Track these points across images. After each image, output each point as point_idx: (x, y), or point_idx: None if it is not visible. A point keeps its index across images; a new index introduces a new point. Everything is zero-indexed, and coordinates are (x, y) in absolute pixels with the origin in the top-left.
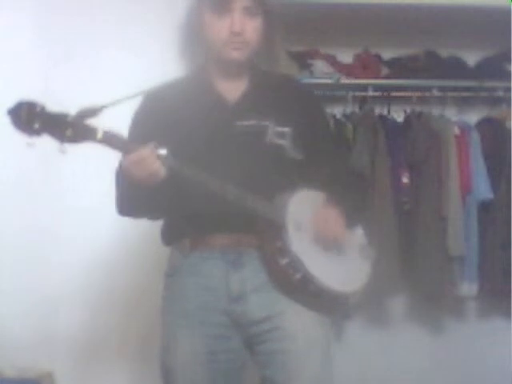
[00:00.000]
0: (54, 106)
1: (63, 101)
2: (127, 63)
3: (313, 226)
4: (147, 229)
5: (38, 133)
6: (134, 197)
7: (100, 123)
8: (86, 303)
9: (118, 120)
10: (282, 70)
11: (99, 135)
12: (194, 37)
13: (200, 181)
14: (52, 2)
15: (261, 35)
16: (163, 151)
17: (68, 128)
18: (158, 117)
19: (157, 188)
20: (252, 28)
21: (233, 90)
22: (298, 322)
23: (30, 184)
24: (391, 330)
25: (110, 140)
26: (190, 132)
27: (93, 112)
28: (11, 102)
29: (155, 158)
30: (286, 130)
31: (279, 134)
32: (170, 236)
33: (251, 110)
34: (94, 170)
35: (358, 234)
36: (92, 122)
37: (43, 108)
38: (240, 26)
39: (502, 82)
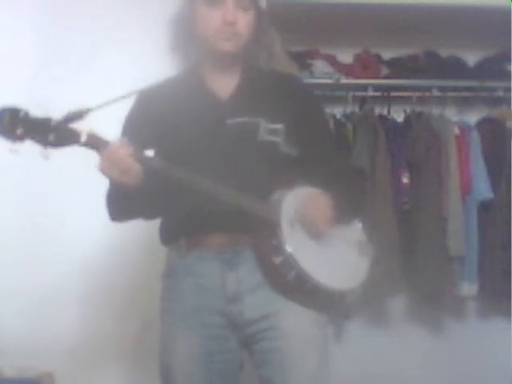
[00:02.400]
0: (51, 106)
1: (60, 101)
2: (124, 64)
3: (299, 214)
4: (146, 230)
5: (20, 138)
6: (116, 198)
7: (89, 125)
8: (86, 303)
9: (109, 122)
10: (279, 67)
11: (83, 138)
12: (187, 33)
13: (191, 183)
14: (50, 3)
15: (253, 30)
16: (149, 153)
17: (51, 132)
18: (151, 116)
19: (139, 189)
20: (244, 21)
21: (225, 86)
22: (295, 321)
23: (29, 183)
24: (391, 330)
25: (95, 143)
26: (182, 130)
27: (79, 115)
28: (9, 102)
29: (125, 153)
30: (279, 126)
31: (272, 130)
32: (166, 236)
33: (243, 107)
34: (94, 170)
35: (357, 231)
36: (77, 125)
37: (27, 113)
38: (233, 17)
39: (502, 82)
